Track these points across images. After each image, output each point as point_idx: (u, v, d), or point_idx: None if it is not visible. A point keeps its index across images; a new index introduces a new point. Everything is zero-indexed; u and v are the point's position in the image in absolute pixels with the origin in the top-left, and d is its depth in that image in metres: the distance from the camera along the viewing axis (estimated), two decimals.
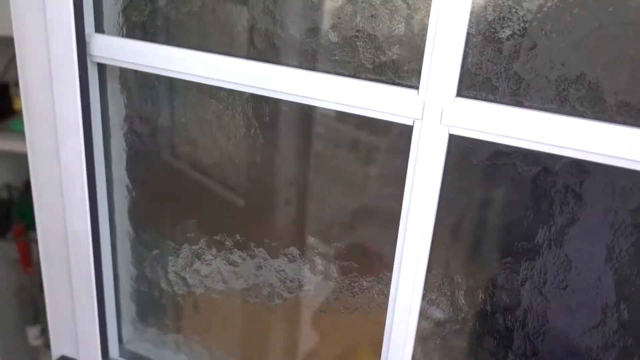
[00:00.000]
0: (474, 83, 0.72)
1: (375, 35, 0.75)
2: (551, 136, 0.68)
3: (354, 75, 0.77)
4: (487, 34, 0.70)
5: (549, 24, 0.67)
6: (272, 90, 0.80)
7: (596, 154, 0.67)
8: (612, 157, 0.66)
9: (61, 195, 0.95)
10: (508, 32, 0.69)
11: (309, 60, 0.80)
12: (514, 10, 0.68)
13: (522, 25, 0.68)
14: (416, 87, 0.73)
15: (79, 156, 0.92)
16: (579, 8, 0.65)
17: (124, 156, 0.98)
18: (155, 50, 0.86)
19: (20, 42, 0.90)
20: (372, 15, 0.75)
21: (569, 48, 0.67)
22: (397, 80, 0.76)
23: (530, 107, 0.70)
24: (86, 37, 0.88)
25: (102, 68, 0.92)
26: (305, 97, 0.78)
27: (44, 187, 0.97)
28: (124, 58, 0.88)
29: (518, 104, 0.71)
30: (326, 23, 0.77)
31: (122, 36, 0.90)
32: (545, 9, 0.66)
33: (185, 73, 0.85)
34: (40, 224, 1.00)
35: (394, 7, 0.73)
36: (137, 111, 0.95)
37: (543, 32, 0.67)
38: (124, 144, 0.97)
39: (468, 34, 0.69)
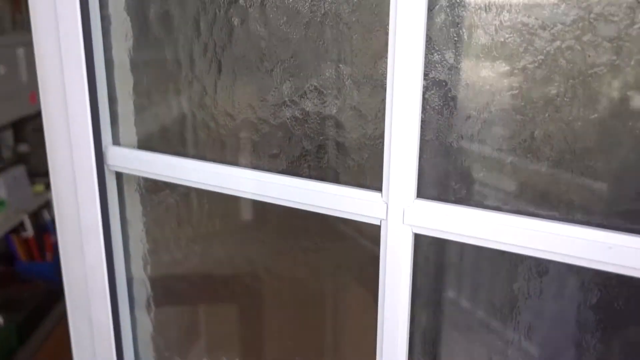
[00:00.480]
0: (433, 184, 0.76)
1: (341, 142, 0.81)
2: (506, 235, 0.70)
3: (323, 178, 0.83)
4: (439, 139, 0.74)
5: (494, 130, 0.70)
6: (253, 194, 0.87)
7: (552, 252, 0.68)
8: (568, 255, 0.67)
9: (86, 290, 1.05)
10: (457, 137, 0.72)
11: (285, 165, 0.87)
12: (462, 116, 0.72)
13: (471, 131, 0.72)
14: (380, 190, 0.77)
15: (100, 256, 1.01)
16: (519, 116, 0.68)
17: (141, 254, 1.07)
18: (162, 160, 0.95)
19: (51, 153, 1.02)
20: (335, 124, 0.81)
21: (514, 153, 0.70)
22: (366, 183, 0.81)
23: (487, 206, 0.73)
24: (103, 148, 0.99)
25: (119, 174, 1.03)
26: (283, 199, 0.85)
27: (72, 282, 1.07)
28: (138, 167, 0.98)
29: (476, 203, 0.73)
30: (298, 131, 0.84)
31: (136, 148, 1.01)
32: (489, 119, 0.70)
33: (189, 180, 0.93)
34: (71, 315, 1.09)
35: (352, 115, 0.79)
36: (152, 213, 1.04)
37: (489, 139, 0.70)
38: (141, 243, 1.06)
39: (421, 139, 0.74)
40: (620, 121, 0.63)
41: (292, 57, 0.82)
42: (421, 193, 0.76)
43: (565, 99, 0.65)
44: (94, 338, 1.08)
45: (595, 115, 0.64)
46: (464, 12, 0.69)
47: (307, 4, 0.79)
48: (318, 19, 0.79)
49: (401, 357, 0.82)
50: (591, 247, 0.65)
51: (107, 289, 1.03)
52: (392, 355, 0.82)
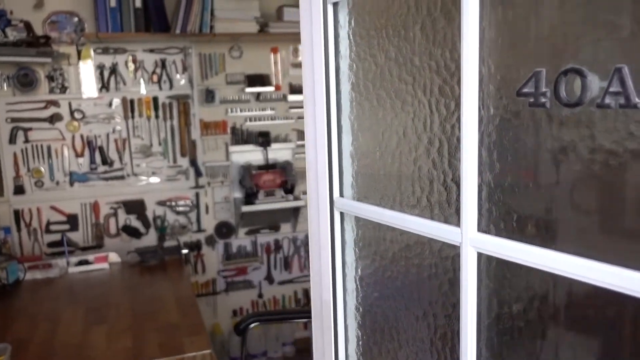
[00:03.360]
0: (487, 224, 1.35)
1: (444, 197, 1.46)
2: (546, 261, 1.26)
3: (431, 218, 1.48)
4: (488, 198, 1.34)
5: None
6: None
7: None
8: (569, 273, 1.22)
9: (320, 277, 1.82)
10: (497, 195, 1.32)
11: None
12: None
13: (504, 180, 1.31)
14: (459, 225, 1.40)
15: (327, 259, 1.78)
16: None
17: (353, 261, 1.81)
18: (367, 208, 1.69)
19: (310, 202, 1.83)
20: (444, 185, 1.46)
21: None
22: (453, 222, 1.43)
23: (519, 239, 1.30)
24: (334, 200, 1.77)
25: (342, 214, 1.79)
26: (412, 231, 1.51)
27: (315, 278, 1.85)
28: (352, 210, 1.74)
29: (513, 237, 1.31)
30: (425, 190, 1.50)
31: (354, 199, 1.77)
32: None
33: (377, 219, 1.65)
34: (313, 289, 1.87)
35: (442, 189, 1.43)
36: (363, 247, 1.78)
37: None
38: (354, 255, 1.80)
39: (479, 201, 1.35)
40: None
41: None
42: (479, 228, 1.36)
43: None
44: (322, 312, 1.84)
45: None
46: None
47: None
48: None
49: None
50: None
51: (331, 278, 1.79)
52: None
